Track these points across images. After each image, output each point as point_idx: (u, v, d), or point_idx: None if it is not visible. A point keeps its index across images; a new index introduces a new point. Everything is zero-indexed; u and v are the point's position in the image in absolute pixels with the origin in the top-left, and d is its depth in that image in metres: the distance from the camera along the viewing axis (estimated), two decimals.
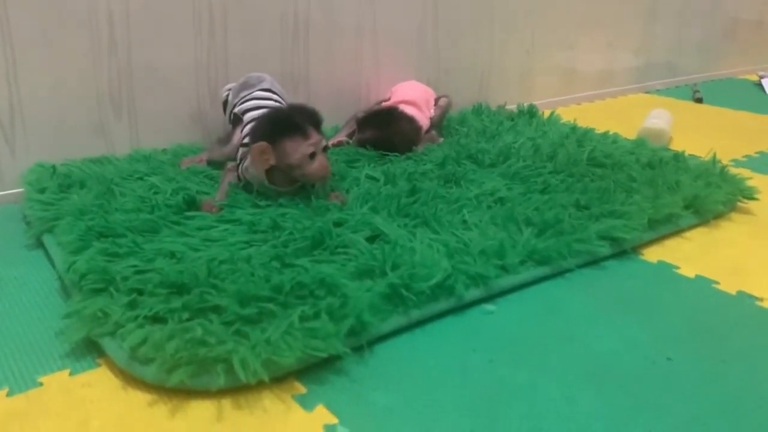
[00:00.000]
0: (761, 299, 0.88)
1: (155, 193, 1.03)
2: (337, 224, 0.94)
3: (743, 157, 1.49)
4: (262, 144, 0.99)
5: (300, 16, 1.39)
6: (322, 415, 0.64)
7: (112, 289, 0.76)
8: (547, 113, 1.64)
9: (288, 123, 1.01)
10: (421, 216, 0.99)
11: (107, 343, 0.70)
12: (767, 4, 2.61)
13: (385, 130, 1.30)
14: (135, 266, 0.80)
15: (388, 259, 0.84)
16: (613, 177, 1.16)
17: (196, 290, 0.74)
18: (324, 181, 1.05)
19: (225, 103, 1.25)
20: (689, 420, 0.65)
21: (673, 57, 2.28)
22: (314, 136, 1.01)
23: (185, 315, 0.71)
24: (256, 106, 1.16)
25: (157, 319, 0.71)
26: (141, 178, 1.09)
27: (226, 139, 1.18)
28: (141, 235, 0.89)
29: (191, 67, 1.28)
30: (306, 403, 0.66)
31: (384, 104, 1.41)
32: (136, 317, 0.71)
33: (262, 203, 1.00)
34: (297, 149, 0.99)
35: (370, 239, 0.91)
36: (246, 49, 1.34)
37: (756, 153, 1.52)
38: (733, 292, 0.90)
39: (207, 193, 1.05)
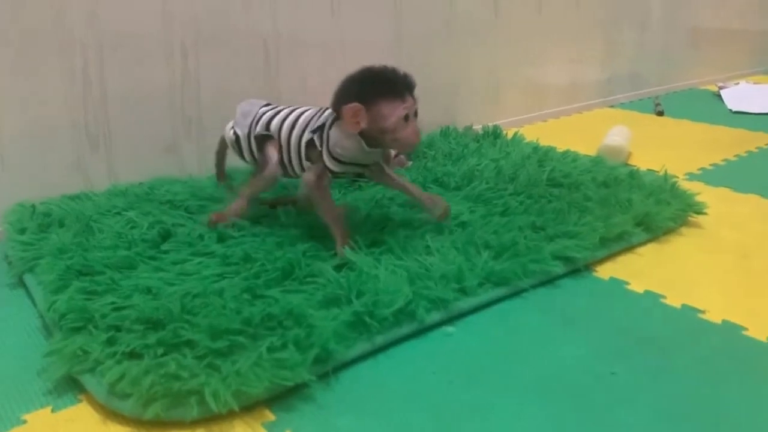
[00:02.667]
0: (704, 311, 0.94)
1: (132, 227, 1.07)
2: (307, 253, 1.00)
3: (698, 170, 1.56)
4: (356, 105, 0.94)
5: (270, 43, 1.44)
6: None
7: (91, 327, 0.80)
8: (511, 133, 1.70)
9: (384, 83, 0.96)
10: (387, 242, 1.04)
11: (87, 380, 0.75)
12: (728, 13, 2.71)
13: None
14: (113, 303, 0.85)
15: (353, 287, 0.89)
16: (568, 197, 1.22)
17: (170, 326, 0.79)
18: (412, 150, 1.02)
19: (236, 142, 1.13)
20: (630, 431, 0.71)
21: (637, 70, 2.36)
22: (409, 99, 0.96)
23: (160, 350, 0.76)
24: (275, 113, 1.10)
25: (134, 354, 0.76)
26: (119, 213, 1.14)
27: (262, 166, 1.10)
28: (119, 271, 0.94)
29: (165, 99, 1.33)
30: (275, 429, 0.71)
31: None
32: (114, 354, 0.76)
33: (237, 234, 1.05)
34: (393, 112, 0.95)
35: (338, 267, 0.97)
36: (218, 76, 1.38)
37: (710, 165, 1.59)
38: (678, 306, 0.96)
39: (183, 225, 1.10)
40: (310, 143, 1.03)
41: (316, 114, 1.07)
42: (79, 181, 1.25)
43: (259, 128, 1.09)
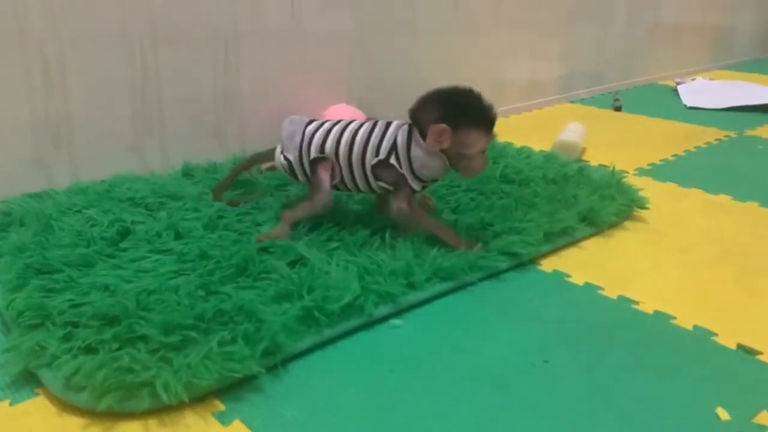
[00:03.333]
0: (638, 302, 1.00)
1: (92, 225, 1.10)
2: (264, 250, 1.03)
3: (648, 165, 1.62)
4: (445, 127, 0.98)
5: (230, 44, 1.47)
6: (238, 428, 0.73)
7: (48, 323, 0.83)
8: None
9: (476, 111, 1.01)
10: (342, 239, 1.08)
11: (44, 374, 0.78)
12: (688, 10, 2.79)
13: None
14: (71, 300, 0.88)
15: (304, 283, 0.93)
16: (518, 194, 1.28)
17: (125, 321, 0.82)
18: (473, 177, 1.07)
19: (290, 167, 1.12)
20: (559, 416, 0.76)
21: (597, 66, 2.42)
22: (491, 133, 1.02)
23: (115, 345, 0.79)
24: (325, 133, 1.09)
25: (89, 349, 0.79)
26: (79, 211, 1.16)
27: (314, 190, 1.10)
28: (77, 269, 0.96)
29: (126, 96, 1.35)
30: (224, 419, 0.75)
31: None
32: (71, 349, 0.79)
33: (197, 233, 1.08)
34: (478, 142, 1.01)
35: (292, 264, 1.01)
36: (179, 72, 1.41)
37: (660, 161, 1.66)
38: (615, 297, 1.02)
39: (142, 223, 1.12)
40: (383, 164, 1.05)
41: (372, 129, 1.08)
42: (40, 179, 1.27)
43: (313, 152, 1.09)
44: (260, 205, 1.21)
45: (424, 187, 1.09)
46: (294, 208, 1.12)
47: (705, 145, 1.78)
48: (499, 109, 2.17)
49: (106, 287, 0.91)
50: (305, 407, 0.77)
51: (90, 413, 0.74)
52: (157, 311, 0.85)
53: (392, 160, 1.04)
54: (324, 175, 1.09)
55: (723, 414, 0.76)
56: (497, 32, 2.03)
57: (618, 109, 2.15)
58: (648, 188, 1.40)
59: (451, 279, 1.01)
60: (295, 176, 1.13)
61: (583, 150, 1.70)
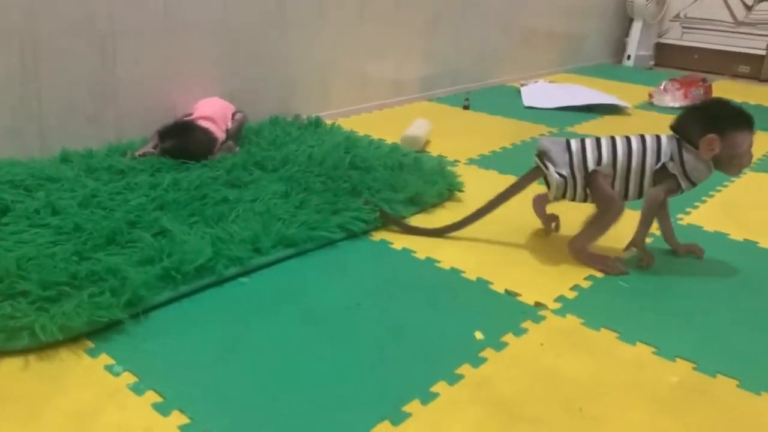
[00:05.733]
0: (440, 261, 1.27)
1: None
2: (132, 224, 1.22)
3: (478, 156, 1.92)
4: (714, 136, 1.16)
5: (107, 37, 1.61)
6: (104, 360, 0.93)
7: None
8: (340, 123, 1.98)
9: (738, 116, 1.17)
10: (204, 214, 1.28)
11: None
12: (541, 16, 3.16)
13: (182, 139, 1.58)
14: None
15: (165, 249, 1.13)
16: (360, 179, 1.52)
17: (7, 280, 0.99)
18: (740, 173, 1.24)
19: (564, 184, 1.23)
20: (362, 345, 1.00)
21: (455, 67, 2.73)
22: (754, 129, 1.18)
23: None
24: (595, 148, 1.22)
25: None
26: None
27: (603, 201, 1.22)
28: None
29: (5, 85, 1.46)
30: (93, 353, 0.94)
31: (185, 119, 1.68)
32: None
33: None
34: (744, 140, 1.18)
35: (157, 235, 1.20)
36: (57, 66, 1.54)
37: (489, 152, 1.96)
38: (423, 258, 1.28)
39: (21, 202, 1.26)
40: (662, 169, 1.21)
41: (643, 140, 1.22)
42: None
43: (591, 165, 1.21)
44: (131, 186, 1.38)
45: (687, 188, 1.22)
46: (585, 236, 1.25)
47: (529, 139, 2.11)
48: (364, 105, 2.46)
49: None
50: (161, 344, 0.97)
51: None
52: (35, 272, 1.02)
53: (670, 166, 1.21)
54: (606, 185, 1.22)
55: (479, 335, 1.04)
56: (364, 31, 2.28)
57: (466, 107, 2.46)
58: (472, 175, 1.70)
59: (293, 246, 1.24)
60: (564, 192, 1.24)
61: (427, 142, 1.98)
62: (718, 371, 0.97)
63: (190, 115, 1.71)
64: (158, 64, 1.73)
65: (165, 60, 1.74)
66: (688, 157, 1.21)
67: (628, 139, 1.24)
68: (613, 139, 1.25)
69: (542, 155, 1.27)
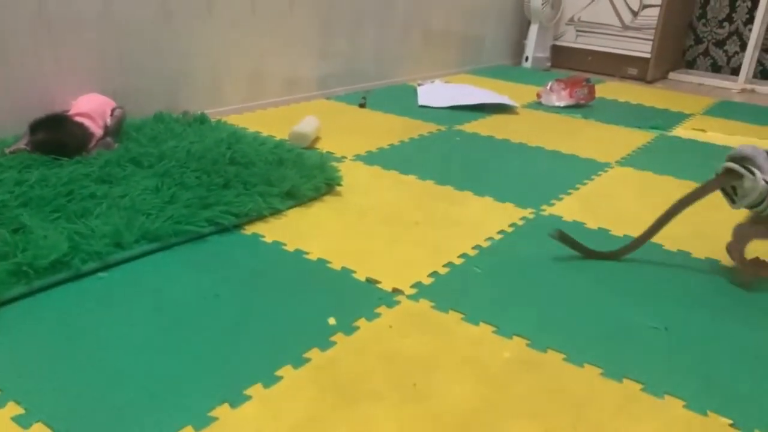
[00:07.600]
0: (308, 253, 1.31)
1: None
2: None
3: (365, 152, 1.98)
4: None
5: (39, 25, 1.57)
6: None
7: None
8: (232, 120, 1.99)
9: None
10: (66, 211, 1.27)
11: None
12: (442, 17, 3.25)
13: (54, 132, 1.55)
14: None
15: (20, 245, 1.11)
16: (237, 174, 1.54)
17: None
18: None
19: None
20: (216, 330, 1.03)
21: (353, 66, 2.78)
22: None
23: None
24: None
25: None
26: None
27: None
28: None
29: None
30: None
31: (57, 112, 1.65)
32: None
33: None
34: None
35: (16, 231, 1.18)
36: None
37: (376, 149, 2.02)
38: (292, 250, 1.32)
39: None
40: None
41: None
42: None
43: None
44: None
45: None
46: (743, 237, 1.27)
47: (417, 137, 2.19)
48: (258, 102, 2.47)
49: None
50: (10, 339, 0.96)
51: None
52: None
53: None
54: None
55: (332, 321, 1.08)
56: (257, 27, 2.29)
57: (363, 105, 2.51)
58: (355, 170, 1.75)
59: (157, 240, 1.25)
60: (761, 202, 1.21)
61: (317, 139, 2.02)
62: (549, 346, 1.06)
63: (67, 111, 1.68)
64: (32, 60, 1.69)
65: (40, 56, 1.70)
66: None
67: None
68: None
69: (744, 161, 1.24)
